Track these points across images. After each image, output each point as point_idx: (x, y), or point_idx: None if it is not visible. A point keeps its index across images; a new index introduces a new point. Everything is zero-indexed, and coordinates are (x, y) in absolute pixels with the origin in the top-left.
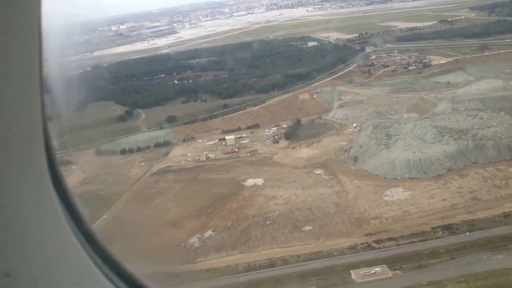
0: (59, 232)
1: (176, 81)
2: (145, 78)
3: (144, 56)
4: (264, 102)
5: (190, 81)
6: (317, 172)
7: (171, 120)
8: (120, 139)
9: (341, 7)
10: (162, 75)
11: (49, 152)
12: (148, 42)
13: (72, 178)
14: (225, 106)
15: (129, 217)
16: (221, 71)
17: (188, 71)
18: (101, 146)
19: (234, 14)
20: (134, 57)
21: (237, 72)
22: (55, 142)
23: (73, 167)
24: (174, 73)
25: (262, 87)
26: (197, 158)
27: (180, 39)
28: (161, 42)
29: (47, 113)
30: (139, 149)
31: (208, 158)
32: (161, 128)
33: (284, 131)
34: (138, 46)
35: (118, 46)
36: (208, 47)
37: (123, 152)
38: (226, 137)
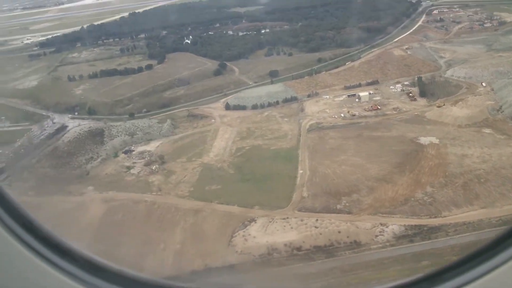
0: None
1: (236, 32)
2: (201, 28)
3: (177, 3)
4: (360, 57)
5: (252, 32)
6: (487, 131)
7: (274, 74)
8: (236, 93)
9: None
10: (217, 25)
11: None
12: None
13: (225, 133)
14: (320, 60)
15: (327, 172)
16: (279, 22)
17: (243, 21)
18: (221, 99)
19: None
20: (166, 4)
21: (299, 23)
22: None
23: (212, 121)
24: (230, 23)
25: (343, 41)
26: (342, 115)
27: None
28: None
29: None
30: (269, 104)
31: (354, 115)
32: (273, 82)
33: (412, 88)
34: None
35: None
36: None
37: (254, 107)
38: (361, 94)
